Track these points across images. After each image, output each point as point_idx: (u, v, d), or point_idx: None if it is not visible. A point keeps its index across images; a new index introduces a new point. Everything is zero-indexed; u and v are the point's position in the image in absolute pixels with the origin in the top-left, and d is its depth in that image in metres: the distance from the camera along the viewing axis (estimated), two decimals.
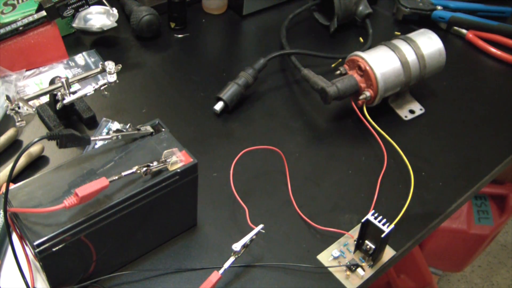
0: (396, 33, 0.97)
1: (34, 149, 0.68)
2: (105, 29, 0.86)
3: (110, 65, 0.69)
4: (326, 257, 0.61)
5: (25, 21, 0.79)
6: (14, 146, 0.71)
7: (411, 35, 0.81)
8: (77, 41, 0.89)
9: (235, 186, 0.63)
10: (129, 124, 0.58)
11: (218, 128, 0.77)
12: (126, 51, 0.89)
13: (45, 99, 0.74)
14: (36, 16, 0.80)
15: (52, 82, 0.71)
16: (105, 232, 0.52)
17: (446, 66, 0.82)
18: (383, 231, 0.56)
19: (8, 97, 0.64)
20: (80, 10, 0.83)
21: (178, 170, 0.54)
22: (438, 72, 0.82)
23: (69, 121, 0.75)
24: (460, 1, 1.00)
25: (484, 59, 0.95)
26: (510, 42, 0.96)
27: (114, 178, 0.50)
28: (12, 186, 0.51)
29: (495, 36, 0.97)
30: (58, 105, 0.69)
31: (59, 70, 0.83)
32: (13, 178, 0.65)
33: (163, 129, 0.58)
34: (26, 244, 0.50)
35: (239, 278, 0.58)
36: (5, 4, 0.84)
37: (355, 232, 0.63)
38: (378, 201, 0.68)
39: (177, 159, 0.54)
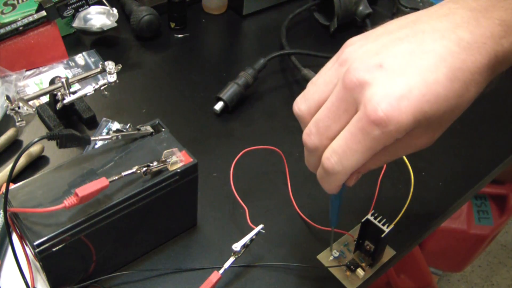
0: None
1: (34, 149, 0.68)
2: (105, 29, 0.86)
3: (110, 65, 0.69)
4: (326, 257, 0.61)
5: (25, 21, 0.79)
6: (14, 146, 0.71)
7: None
8: (77, 41, 0.89)
9: (235, 186, 0.63)
10: (129, 124, 0.58)
11: (218, 128, 0.77)
12: (126, 51, 0.89)
13: (45, 99, 0.74)
14: (36, 16, 0.80)
15: (52, 82, 0.71)
16: (105, 232, 0.52)
17: None
18: (383, 231, 0.56)
19: (8, 97, 0.64)
20: (80, 10, 0.83)
21: (178, 170, 0.54)
22: None
23: (69, 121, 0.75)
24: None
25: None
26: None
27: (114, 178, 0.50)
28: (12, 186, 0.51)
29: None
30: (58, 105, 0.69)
31: (59, 70, 0.83)
32: (13, 178, 0.65)
33: (163, 129, 0.58)
34: (26, 244, 0.50)
35: (239, 278, 0.58)
36: (5, 4, 0.84)
37: (355, 232, 0.63)
38: (378, 201, 0.68)
39: (177, 159, 0.54)
